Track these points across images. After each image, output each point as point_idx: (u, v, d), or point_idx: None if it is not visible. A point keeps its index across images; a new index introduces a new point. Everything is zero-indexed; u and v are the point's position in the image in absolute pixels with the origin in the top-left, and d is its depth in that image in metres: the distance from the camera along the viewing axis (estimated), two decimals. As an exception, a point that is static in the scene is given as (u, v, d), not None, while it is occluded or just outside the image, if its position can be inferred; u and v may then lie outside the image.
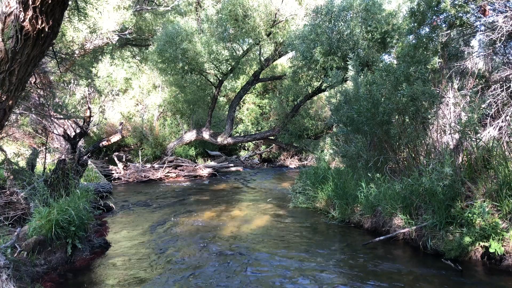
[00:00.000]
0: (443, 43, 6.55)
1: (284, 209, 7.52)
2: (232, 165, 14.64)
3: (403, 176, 5.77)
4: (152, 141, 13.35)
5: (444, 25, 6.57)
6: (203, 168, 13.06)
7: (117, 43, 13.81)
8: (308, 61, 9.11)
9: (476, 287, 3.87)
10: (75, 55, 10.63)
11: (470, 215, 4.33)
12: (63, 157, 8.54)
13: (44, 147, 9.31)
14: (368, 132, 6.62)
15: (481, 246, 4.36)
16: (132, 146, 13.95)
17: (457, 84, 6.04)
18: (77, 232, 4.73)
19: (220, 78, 12.47)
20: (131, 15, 11.91)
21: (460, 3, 6.02)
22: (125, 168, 12.37)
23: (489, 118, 5.64)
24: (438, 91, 5.85)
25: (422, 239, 4.93)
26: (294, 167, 15.35)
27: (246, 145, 17.82)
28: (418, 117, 5.92)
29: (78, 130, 9.85)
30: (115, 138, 12.12)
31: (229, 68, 12.06)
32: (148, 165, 12.64)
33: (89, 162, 10.05)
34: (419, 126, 5.90)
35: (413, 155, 5.92)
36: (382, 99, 6.16)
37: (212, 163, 14.14)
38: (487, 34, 5.87)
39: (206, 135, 13.08)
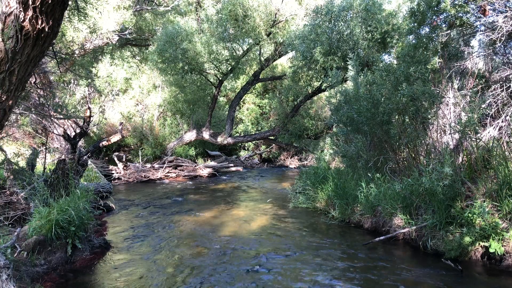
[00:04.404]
0: (443, 43, 6.55)
1: (284, 209, 7.52)
2: (232, 165, 14.64)
3: (403, 176, 5.77)
4: (152, 141, 13.35)
5: (444, 25, 6.57)
6: (203, 168, 13.06)
7: (117, 43, 13.81)
8: (308, 61, 9.11)
9: (476, 287, 3.87)
10: (75, 55, 10.64)
11: (470, 215, 4.33)
12: (63, 157, 8.54)
13: (44, 147, 9.31)
14: (368, 132, 6.62)
15: (481, 246, 4.36)
16: (132, 146, 13.95)
17: (457, 84, 6.04)
18: (77, 232, 4.73)
19: (220, 78, 12.47)
20: (131, 15, 11.91)
21: (460, 3, 6.03)
22: (125, 168, 12.37)
23: (489, 118, 5.64)
24: (438, 91, 5.85)
25: (422, 239, 4.93)
26: (294, 167, 15.35)
27: (246, 145, 17.83)
28: (418, 117, 5.92)
29: (78, 130, 9.85)
30: (115, 138, 12.12)
31: (229, 68, 12.06)
32: (148, 165, 12.65)
33: (89, 162, 10.05)
34: (419, 126, 5.90)
35: (413, 155, 5.92)
36: (382, 99, 6.16)
37: (212, 163, 14.14)
38: (487, 34, 5.87)
39: (206, 135, 13.08)
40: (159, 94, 15.35)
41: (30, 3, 2.62)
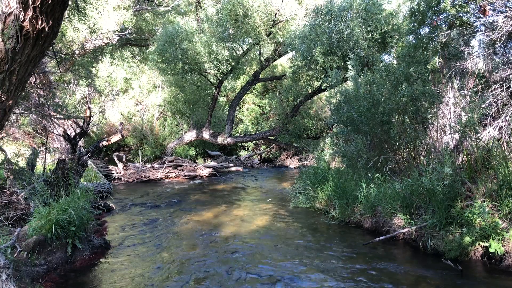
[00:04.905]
0: (443, 43, 6.55)
1: (284, 209, 7.52)
2: (232, 165, 14.64)
3: (403, 176, 5.77)
4: (152, 141, 13.35)
5: (444, 25, 6.58)
6: (203, 168, 13.06)
7: (117, 43, 13.80)
8: (308, 61, 9.11)
9: (476, 287, 3.87)
10: (75, 55, 10.64)
11: (470, 215, 4.33)
12: (63, 157, 8.54)
13: (44, 147, 9.31)
14: (368, 132, 6.62)
15: (481, 246, 4.36)
16: (132, 146, 13.95)
17: (457, 84, 6.04)
18: (77, 232, 4.73)
19: (220, 78, 12.47)
20: (131, 15, 11.91)
21: (460, 3, 6.03)
22: (125, 168, 12.37)
23: (489, 118, 5.64)
24: (438, 91, 5.85)
25: (422, 239, 4.93)
26: (294, 167, 15.35)
27: (246, 145, 17.82)
28: (418, 117, 5.92)
29: (78, 130, 9.86)
30: (115, 138, 12.12)
31: (229, 68, 12.06)
32: (148, 165, 12.64)
33: (89, 162, 10.05)
34: (419, 126, 5.90)
35: (413, 155, 5.92)
36: (382, 99, 6.16)
37: (212, 163, 14.14)
38: (487, 34, 5.87)
39: (206, 135, 13.08)
40: (159, 94, 15.35)
41: (30, 3, 2.62)
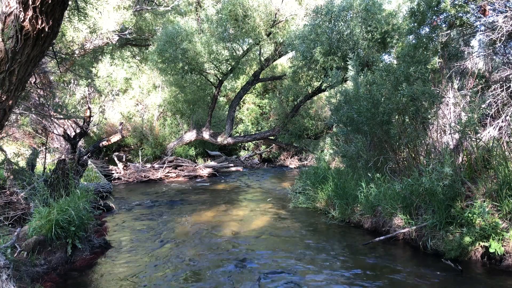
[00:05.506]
0: (443, 43, 6.55)
1: (284, 209, 7.52)
2: (232, 165, 14.64)
3: (403, 176, 5.77)
4: (152, 141, 13.35)
5: (444, 25, 6.58)
6: (203, 168, 13.06)
7: (117, 43, 13.80)
8: (308, 61, 9.11)
9: (476, 287, 3.87)
10: (75, 55, 10.64)
11: (470, 215, 4.33)
12: (63, 157, 8.54)
13: (44, 147, 9.31)
14: (368, 132, 6.62)
15: (481, 246, 4.36)
16: (132, 146, 13.95)
17: (457, 84, 6.04)
18: (77, 232, 4.73)
19: (220, 78, 12.47)
20: (131, 15, 11.91)
21: (460, 3, 6.03)
22: (125, 168, 12.37)
23: (489, 118, 5.64)
24: (438, 91, 5.85)
25: (422, 239, 4.93)
26: (294, 167, 15.35)
27: (246, 145, 17.82)
28: (418, 117, 5.92)
29: (78, 130, 9.86)
30: (115, 138, 12.12)
31: (229, 68, 12.06)
32: (148, 165, 12.64)
33: (89, 162, 10.05)
34: (419, 126, 5.90)
35: (413, 155, 5.92)
36: (382, 99, 6.16)
37: (212, 163, 14.14)
38: (487, 34, 5.87)
39: (206, 135, 13.08)
40: (159, 94, 15.35)
41: (30, 3, 2.62)
